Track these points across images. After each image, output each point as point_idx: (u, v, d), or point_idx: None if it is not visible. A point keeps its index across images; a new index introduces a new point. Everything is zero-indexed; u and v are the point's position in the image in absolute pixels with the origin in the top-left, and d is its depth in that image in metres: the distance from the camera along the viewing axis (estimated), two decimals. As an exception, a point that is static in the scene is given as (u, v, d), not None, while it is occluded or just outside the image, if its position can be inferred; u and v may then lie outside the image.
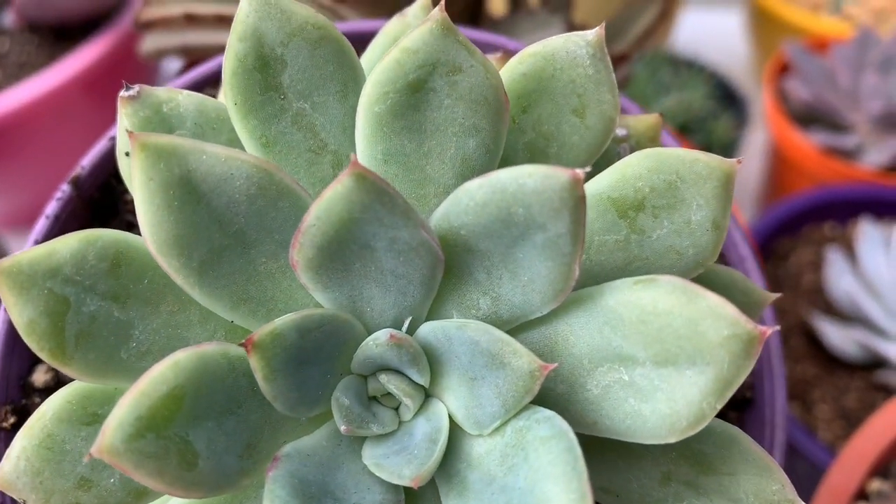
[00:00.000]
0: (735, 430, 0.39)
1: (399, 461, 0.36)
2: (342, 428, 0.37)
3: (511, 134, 0.40)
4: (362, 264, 0.36)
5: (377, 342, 0.37)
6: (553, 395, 0.36)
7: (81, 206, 0.51)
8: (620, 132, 0.45)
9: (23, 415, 0.48)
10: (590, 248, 0.39)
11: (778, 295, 0.43)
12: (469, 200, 0.34)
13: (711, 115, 1.29)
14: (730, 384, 0.33)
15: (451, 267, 0.37)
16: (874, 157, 1.20)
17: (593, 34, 0.39)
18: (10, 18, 1.17)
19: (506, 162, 0.40)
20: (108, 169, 0.52)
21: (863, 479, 0.72)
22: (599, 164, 0.41)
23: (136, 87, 0.39)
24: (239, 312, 0.38)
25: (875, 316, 1.02)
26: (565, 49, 0.39)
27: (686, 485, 0.39)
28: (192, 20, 0.69)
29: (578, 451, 0.32)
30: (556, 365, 0.34)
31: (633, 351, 0.34)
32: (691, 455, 0.39)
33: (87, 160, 0.51)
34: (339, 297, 0.37)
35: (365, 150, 0.38)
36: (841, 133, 1.24)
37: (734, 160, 0.37)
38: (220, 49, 0.74)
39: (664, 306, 0.33)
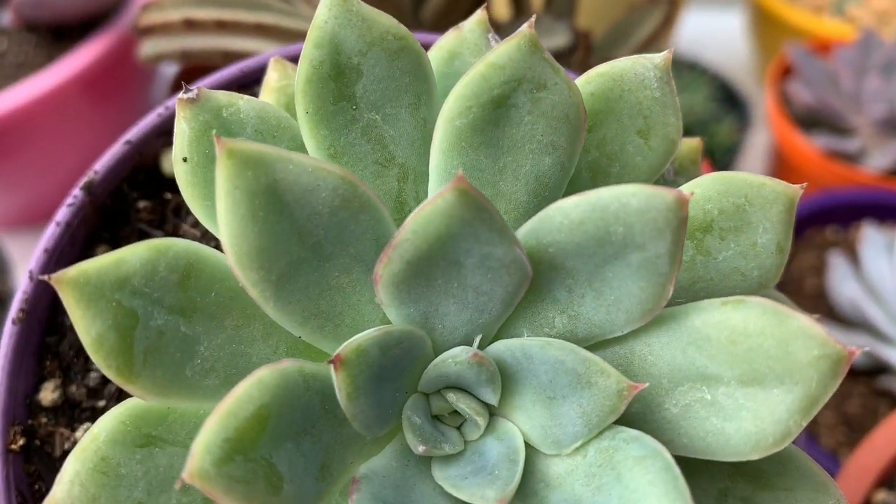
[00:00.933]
0: (792, 447, 0.40)
1: (479, 482, 0.36)
2: (419, 448, 0.36)
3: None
4: (444, 280, 0.35)
5: (456, 360, 0.36)
6: (627, 413, 0.37)
7: (93, 213, 0.48)
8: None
9: (31, 436, 0.45)
10: (654, 267, 0.40)
11: (863, 349, 0.45)
12: (563, 218, 0.34)
13: (713, 117, 1.29)
14: (816, 402, 0.34)
15: (531, 285, 0.37)
16: (877, 160, 1.21)
17: (661, 58, 0.40)
18: (7, 18, 1.12)
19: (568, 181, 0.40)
20: (121, 174, 0.49)
21: (868, 490, 0.72)
22: (656, 186, 0.42)
23: (195, 90, 0.37)
24: (308, 328, 0.36)
25: (878, 321, 1.02)
26: (633, 70, 0.40)
27: (743, 501, 0.40)
28: (191, 26, 0.67)
29: (677, 470, 0.32)
30: (646, 385, 0.34)
31: (719, 371, 0.35)
32: (748, 471, 0.40)
33: (101, 165, 0.48)
34: (412, 313, 0.36)
35: (440, 164, 0.38)
36: (843, 136, 1.24)
37: (798, 186, 0.39)
38: (219, 54, 0.71)
39: (755, 327, 0.34)
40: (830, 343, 0.33)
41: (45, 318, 0.47)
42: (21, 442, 0.44)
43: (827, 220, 1.20)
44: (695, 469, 0.40)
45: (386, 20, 0.37)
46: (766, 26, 1.50)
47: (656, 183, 0.42)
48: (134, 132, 0.49)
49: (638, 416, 0.37)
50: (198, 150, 0.37)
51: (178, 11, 0.67)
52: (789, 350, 0.33)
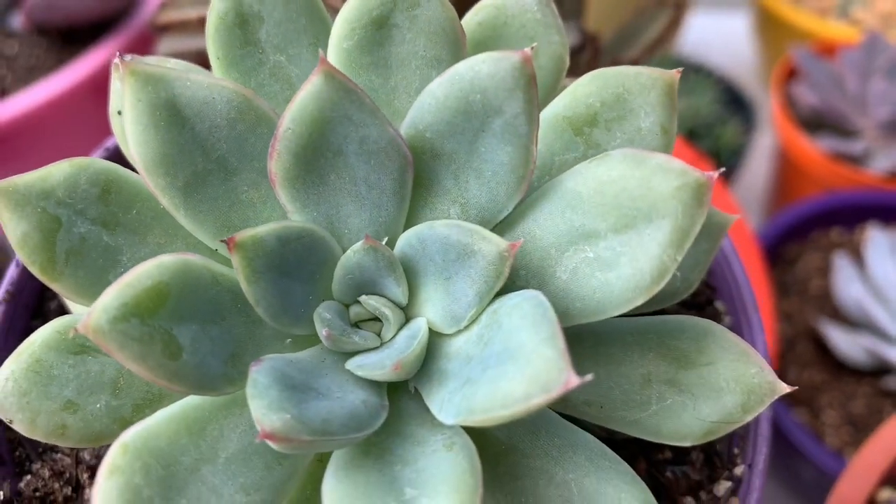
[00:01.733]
0: (708, 322, 0.40)
1: (380, 358, 0.37)
2: (323, 334, 0.37)
3: (471, 77, 0.44)
4: (337, 175, 0.38)
5: (354, 251, 0.39)
6: (524, 288, 0.38)
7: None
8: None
9: (12, 406, 0.49)
10: (551, 167, 0.42)
11: (738, 216, 0.45)
12: (431, 99, 0.37)
13: (719, 120, 1.30)
14: (686, 234, 0.34)
15: (421, 177, 0.39)
16: (882, 162, 1.20)
17: (538, -17, 0.44)
18: (19, 21, 1.19)
19: (469, 105, 0.44)
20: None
21: (872, 488, 0.71)
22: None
23: (130, 56, 0.43)
24: (221, 238, 0.39)
25: (883, 322, 1.02)
26: (514, -2, 0.44)
27: (667, 383, 0.39)
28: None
29: (546, 304, 0.33)
30: (521, 241, 0.36)
31: (595, 225, 0.36)
32: (668, 353, 0.40)
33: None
34: (316, 217, 0.39)
35: (337, 88, 0.42)
36: (848, 139, 1.24)
37: (675, 71, 0.41)
38: None
39: (618, 173, 0.35)
40: (689, 172, 0.34)
41: (32, 304, 0.52)
42: (2, 408, 0.48)
43: (832, 222, 1.19)
44: (617, 359, 0.40)
45: (278, -30, 0.43)
46: (771, 29, 1.51)
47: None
48: (112, 140, 0.55)
49: (534, 289, 0.38)
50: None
51: (196, 9, 0.74)
52: (651, 186, 0.35)
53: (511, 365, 0.32)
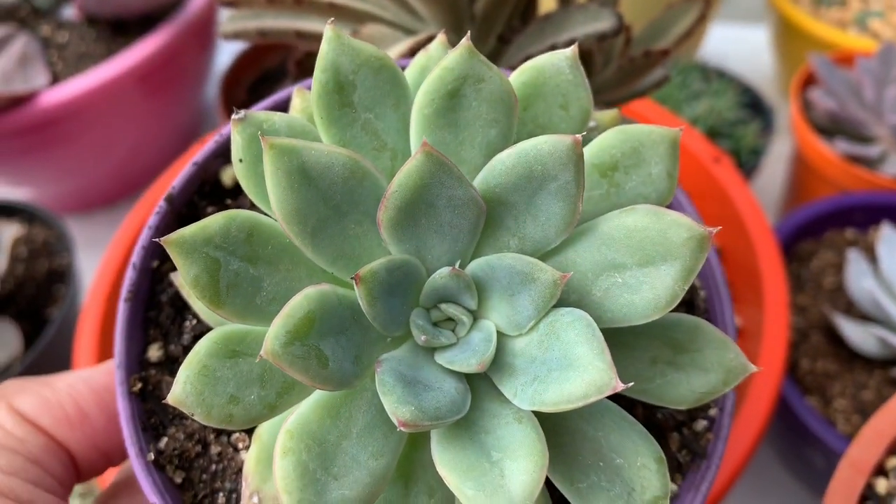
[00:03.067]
0: (698, 319, 0.54)
1: (465, 357, 0.51)
2: (422, 339, 0.51)
3: (517, 126, 0.56)
4: (427, 220, 0.51)
5: (441, 276, 0.52)
6: (568, 302, 0.51)
7: (173, 219, 0.65)
8: (591, 124, 0.61)
9: (145, 383, 0.61)
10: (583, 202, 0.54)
11: (718, 229, 0.59)
12: (501, 165, 0.49)
13: (739, 122, 1.39)
14: (692, 271, 0.48)
15: (489, 219, 0.52)
16: None
17: (570, 51, 0.55)
18: (71, 12, 1.24)
19: (514, 147, 0.56)
20: (191, 188, 0.66)
21: (882, 455, 0.75)
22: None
23: (243, 112, 0.54)
24: (336, 266, 0.52)
25: (894, 314, 1.08)
26: (551, 62, 0.55)
27: (668, 364, 0.54)
28: (272, 1, 0.79)
29: (595, 325, 0.47)
30: (571, 274, 0.49)
31: (623, 259, 0.50)
32: (668, 342, 0.54)
33: (178, 182, 0.65)
34: (408, 247, 0.52)
35: (417, 143, 0.53)
36: (864, 144, 1.31)
37: (677, 129, 0.53)
38: (292, 34, 0.85)
39: (642, 224, 0.49)
40: (696, 227, 0.48)
41: (146, 297, 0.63)
42: (139, 386, 0.60)
43: (846, 222, 1.27)
44: (632, 344, 0.54)
45: (369, 48, 0.53)
46: (790, 39, 1.57)
47: (586, 144, 0.58)
48: (199, 155, 0.66)
49: (575, 303, 0.51)
50: (248, 152, 0.54)
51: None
52: (667, 236, 0.48)
53: (573, 371, 0.46)
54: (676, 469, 0.62)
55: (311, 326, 0.47)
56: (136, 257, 0.63)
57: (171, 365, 0.63)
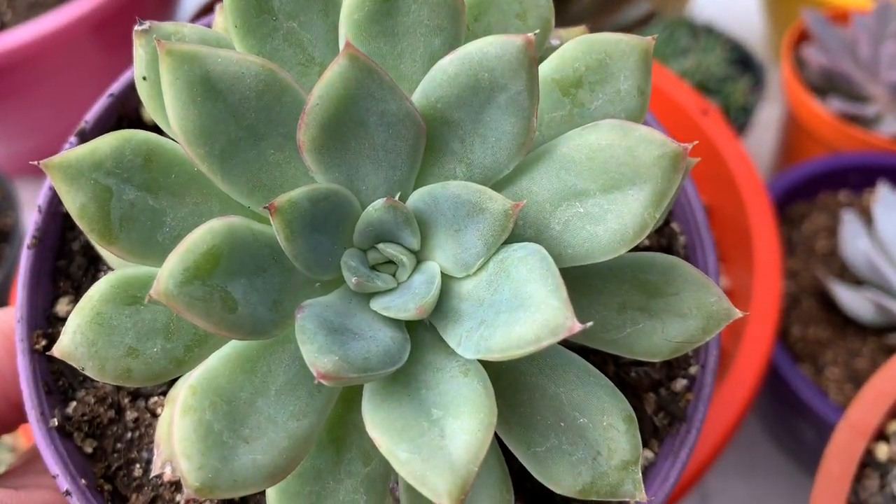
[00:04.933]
0: (675, 259, 0.47)
1: (402, 301, 0.43)
2: (352, 281, 0.43)
3: (467, 39, 0.48)
4: (357, 141, 0.43)
5: (375, 208, 0.44)
6: (523, 238, 0.44)
7: (86, 158, 0.57)
8: (554, 42, 0.54)
9: (52, 341, 0.54)
10: (541, 125, 0.47)
11: (695, 143, 0.51)
12: (442, 75, 0.42)
13: (729, 77, 1.35)
14: (664, 195, 0.41)
15: (431, 141, 0.44)
16: (892, 126, 1.23)
17: (526, -48, 0.48)
18: None
19: (464, 64, 0.48)
20: (107, 124, 0.58)
21: (883, 418, 0.70)
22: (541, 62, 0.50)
23: (148, 23, 0.46)
24: (254, 198, 0.44)
25: (890, 278, 1.04)
26: (505, -35, 0.48)
27: (639, 310, 0.47)
28: None
29: (550, 259, 0.40)
30: (524, 202, 0.42)
31: (586, 185, 0.42)
32: (640, 285, 0.47)
33: (90, 115, 0.57)
34: (338, 176, 0.44)
35: (348, 55, 0.46)
36: (859, 103, 1.27)
37: (650, 38, 0.46)
38: None
39: (607, 141, 0.41)
40: (668, 143, 0.40)
41: (55, 246, 0.56)
42: (43, 343, 0.53)
43: (840, 184, 1.22)
44: (598, 288, 0.47)
45: (289, -56, 0.46)
46: None
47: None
48: (116, 86, 0.58)
49: (532, 238, 0.44)
50: (153, 69, 0.46)
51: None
52: (636, 154, 0.41)
53: (523, 312, 0.39)
54: (653, 434, 0.55)
55: (215, 264, 0.40)
56: (41, 198, 0.55)
57: (82, 321, 0.55)
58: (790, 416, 1.05)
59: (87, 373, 0.43)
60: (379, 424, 0.40)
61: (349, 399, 0.46)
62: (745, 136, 1.44)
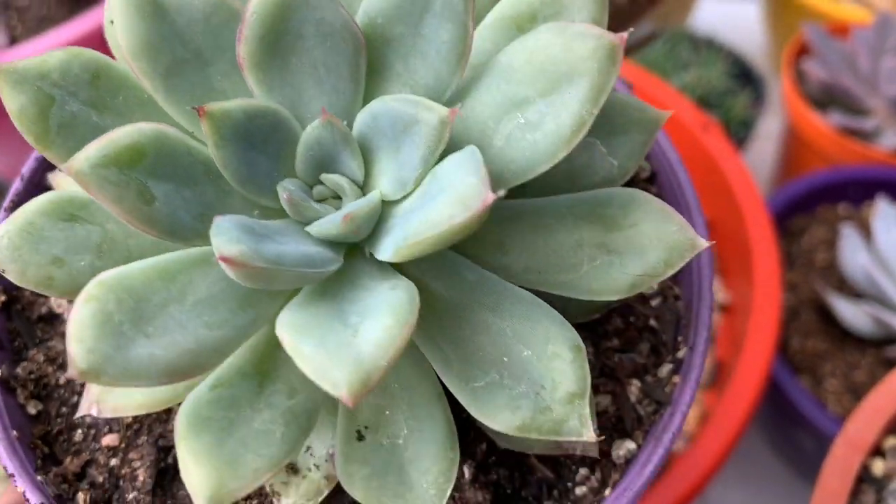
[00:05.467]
0: (634, 191, 0.44)
1: (333, 216, 0.41)
2: (283, 198, 0.42)
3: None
4: (297, 58, 0.43)
5: (314, 128, 0.43)
6: (467, 158, 0.42)
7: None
8: None
9: (14, 300, 0.53)
10: (497, 63, 0.46)
11: (671, 112, 0.49)
12: (380, -13, 0.42)
13: (730, 91, 1.34)
14: (602, 90, 0.38)
15: (374, 64, 0.44)
16: (892, 139, 1.21)
17: None
18: None
19: None
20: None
21: (879, 434, 0.70)
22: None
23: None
24: (198, 124, 0.44)
25: (889, 292, 1.03)
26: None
27: (597, 246, 0.43)
28: None
29: (475, 149, 0.38)
30: (459, 105, 0.40)
31: (526, 92, 0.40)
32: (597, 219, 0.43)
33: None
34: (281, 100, 0.44)
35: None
36: (859, 116, 1.26)
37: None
38: None
39: (544, 41, 0.40)
40: (604, 35, 0.39)
41: (35, 215, 0.57)
42: (3, 299, 0.52)
43: (839, 197, 1.21)
44: (552, 227, 0.44)
45: None
46: (783, 10, 1.52)
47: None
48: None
49: (474, 158, 0.42)
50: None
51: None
52: (572, 49, 0.39)
53: (441, 197, 0.36)
54: (637, 424, 0.49)
55: (137, 160, 0.39)
56: (25, 167, 0.57)
57: (49, 288, 0.55)
58: (790, 427, 1.04)
59: (8, 276, 0.41)
60: (287, 324, 0.37)
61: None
62: (745, 150, 1.42)
